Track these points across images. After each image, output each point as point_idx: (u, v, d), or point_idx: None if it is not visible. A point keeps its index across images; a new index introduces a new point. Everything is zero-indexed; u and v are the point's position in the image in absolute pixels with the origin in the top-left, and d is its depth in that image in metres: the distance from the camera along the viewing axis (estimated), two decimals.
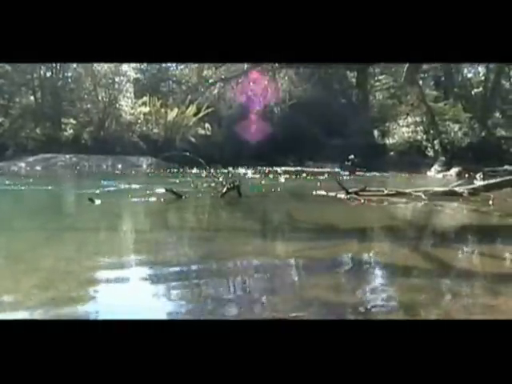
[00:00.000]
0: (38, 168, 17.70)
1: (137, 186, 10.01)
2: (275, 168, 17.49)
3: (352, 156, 16.65)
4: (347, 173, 16.00)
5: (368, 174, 16.27)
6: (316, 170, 17.22)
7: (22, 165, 18.08)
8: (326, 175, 14.63)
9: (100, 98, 22.40)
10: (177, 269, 3.49)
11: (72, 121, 22.99)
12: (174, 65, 26.51)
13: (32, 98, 23.23)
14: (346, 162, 16.88)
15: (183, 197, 7.97)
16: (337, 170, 16.79)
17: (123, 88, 22.78)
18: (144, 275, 3.39)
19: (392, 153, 22.15)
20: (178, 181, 11.32)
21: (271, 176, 14.88)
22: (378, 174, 16.42)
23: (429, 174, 17.87)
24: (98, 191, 8.54)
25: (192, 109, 21.73)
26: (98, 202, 7.03)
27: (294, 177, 14.72)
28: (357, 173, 16.14)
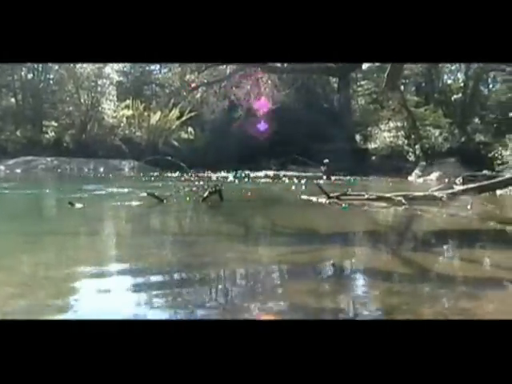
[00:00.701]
0: (18, 171, 17.47)
1: (118, 190, 9.94)
2: (256, 172, 17.56)
3: (327, 160, 16.67)
4: (325, 177, 16.04)
5: (346, 178, 16.37)
6: (297, 174, 17.27)
7: (2, 168, 17.84)
8: (305, 179, 14.68)
9: (82, 100, 22.24)
10: (157, 272, 3.49)
11: (53, 123, 22.79)
12: (157, 68, 26.48)
13: (13, 99, 22.98)
14: (322, 167, 16.87)
15: (164, 201, 7.94)
16: (319, 174, 16.84)
17: (106, 91, 22.66)
18: (124, 279, 3.38)
19: (374, 157, 22.37)
20: (160, 184, 11.27)
21: (248, 180, 14.94)
22: (358, 177, 16.55)
23: (410, 178, 18.07)
24: (79, 195, 8.46)
25: (175, 112, 21.69)
26: (78, 205, 6.97)
27: (271, 181, 14.79)
28: (333, 177, 16.19)
